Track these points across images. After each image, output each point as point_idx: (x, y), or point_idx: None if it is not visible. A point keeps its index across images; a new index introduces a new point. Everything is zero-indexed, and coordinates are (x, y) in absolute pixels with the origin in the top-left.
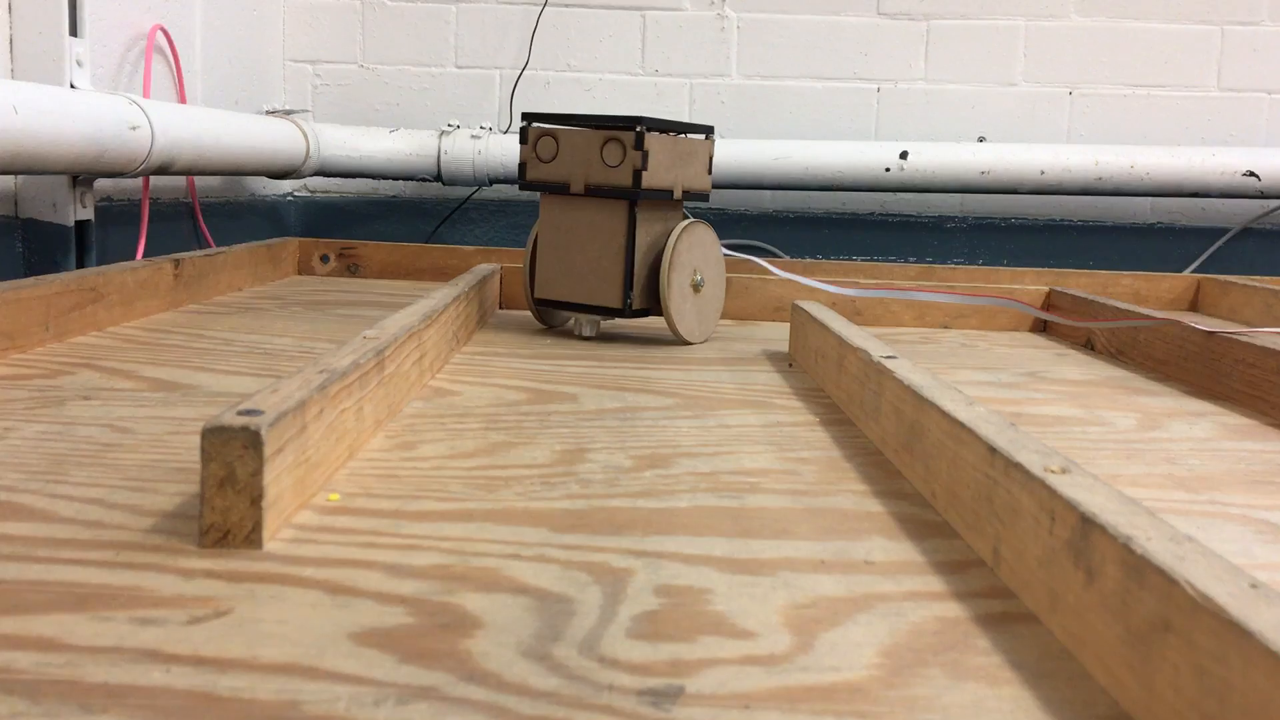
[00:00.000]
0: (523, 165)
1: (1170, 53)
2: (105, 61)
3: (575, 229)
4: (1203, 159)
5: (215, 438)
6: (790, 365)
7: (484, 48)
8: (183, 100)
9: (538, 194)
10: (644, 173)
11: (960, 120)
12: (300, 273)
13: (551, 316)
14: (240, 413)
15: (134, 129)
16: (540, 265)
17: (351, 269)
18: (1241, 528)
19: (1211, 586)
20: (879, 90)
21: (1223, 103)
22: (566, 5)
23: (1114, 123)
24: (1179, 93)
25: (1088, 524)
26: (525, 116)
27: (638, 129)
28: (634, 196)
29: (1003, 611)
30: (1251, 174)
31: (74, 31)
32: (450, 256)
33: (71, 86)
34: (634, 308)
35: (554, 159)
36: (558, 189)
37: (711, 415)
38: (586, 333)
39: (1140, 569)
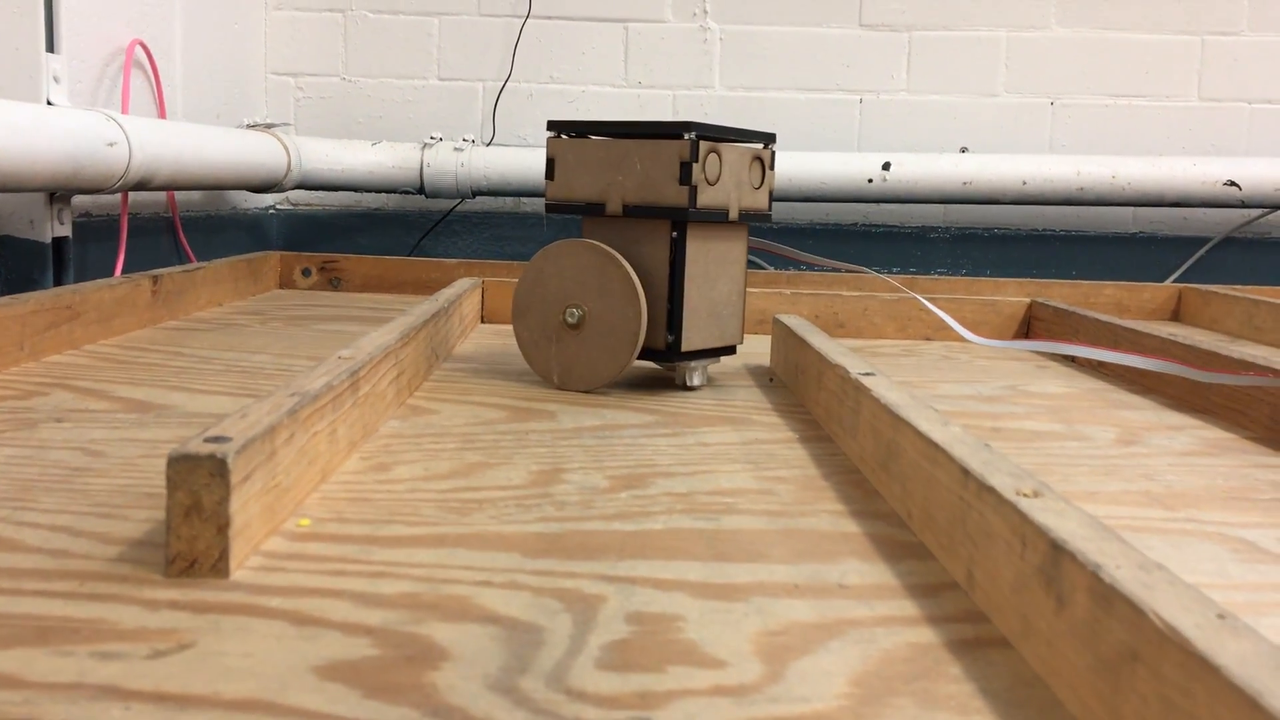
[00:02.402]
0: (694, 189)
1: (1151, 63)
2: (83, 77)
3: (713, 263)
4: (1184, 169)
5: (181, 465)
6: (771, 380)
7: (466, 60)
8: (163, 115)
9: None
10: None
11: (942, 131)
12: (282, 287)
13: (564, 378)
14: (207, 440)
15: (111, 145)
16: (690, 311)
17: (333, 283)
18: (1218, 546)
19: (1179, 617)
20: (861, 101)
21: (1203, 113)
22: (549, 17)
23: (1095, 133)
24: (1160, 103)
25: (1058, 550)
26: (689, 126)
27: (771, 146)
28: (767, 221)
29: (975, 637)
30: (1232, 183)
31: (51, 47)
32: (433, 270)
33: (49, 103)
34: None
35: (718, 180)
36: (716, 217)
37: (690, 433)
38: (698, 382)
39: (1109, 598)
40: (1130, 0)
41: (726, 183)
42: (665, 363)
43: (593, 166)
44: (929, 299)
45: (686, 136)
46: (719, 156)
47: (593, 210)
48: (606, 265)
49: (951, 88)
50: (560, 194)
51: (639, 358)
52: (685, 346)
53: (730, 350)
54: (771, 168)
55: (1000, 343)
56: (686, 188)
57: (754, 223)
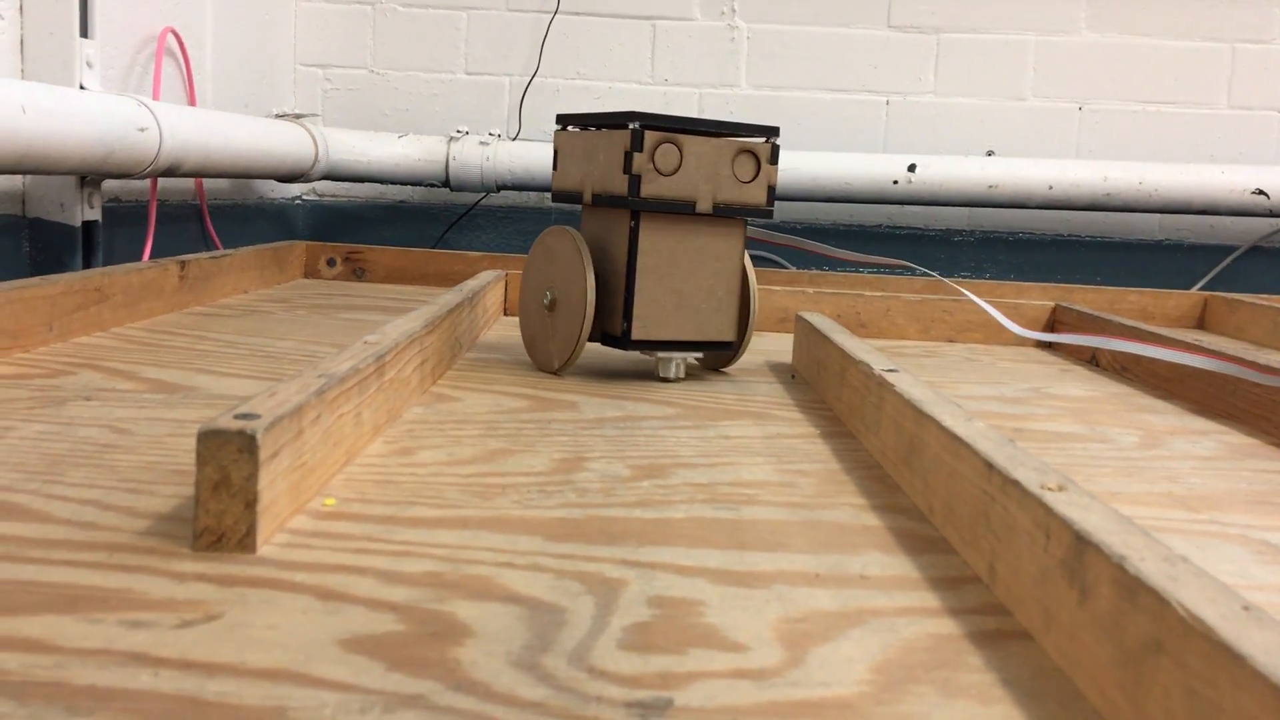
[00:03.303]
0: (636, 178)
1: (1180, 69)
2: (116, 63)
3: (683, 255)
4: (1212, 176)
5: (211, 441)
6: (793, 377)
7: (494, 55)
8: (193, 102)
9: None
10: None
11: (969, 134)
12: (306, 276)
13: (541, 356)
14: (237, 416)
15: (142, 131)
16: (641, 300)
17: (358, 273)
18: (1240, 548)
19: (1203, 608)
20: (888, 103)
21: (1233, 120)
22: (577, 13)
23: (1123, 138)
24: (1189, 110)
25: (1082, 543)
26: (634, 116)
27: (771, 140)
28: (766, 216)
29: (997, 629)
30: (1261, 192)
31: (85, 33)
32: (457, 262)
33: (81, 88)
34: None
35: (676, 172)
36: (678, 208)
37: (712, 426)
38: (676, 374)
39: (1133, 589)
40: (1160, 6)
41: (692, 175)
42: (624, 350)
43: (577, 158)
44: (956, 302)
45: (630, 126)
46: (678, 147)
47: (578, 199)
48: (559, 242)
49: (979, 90)
50: (561, 184)
51: (608, 344)
52: (638, 335)
53: (723, 346)
54: (771, 162)
55: (1052, 335)
56: (628, 177)
57: (746, 217)
